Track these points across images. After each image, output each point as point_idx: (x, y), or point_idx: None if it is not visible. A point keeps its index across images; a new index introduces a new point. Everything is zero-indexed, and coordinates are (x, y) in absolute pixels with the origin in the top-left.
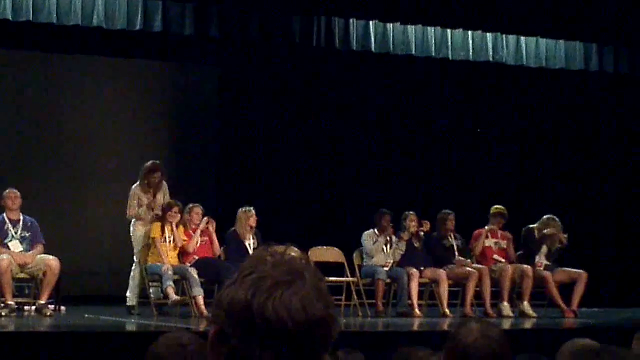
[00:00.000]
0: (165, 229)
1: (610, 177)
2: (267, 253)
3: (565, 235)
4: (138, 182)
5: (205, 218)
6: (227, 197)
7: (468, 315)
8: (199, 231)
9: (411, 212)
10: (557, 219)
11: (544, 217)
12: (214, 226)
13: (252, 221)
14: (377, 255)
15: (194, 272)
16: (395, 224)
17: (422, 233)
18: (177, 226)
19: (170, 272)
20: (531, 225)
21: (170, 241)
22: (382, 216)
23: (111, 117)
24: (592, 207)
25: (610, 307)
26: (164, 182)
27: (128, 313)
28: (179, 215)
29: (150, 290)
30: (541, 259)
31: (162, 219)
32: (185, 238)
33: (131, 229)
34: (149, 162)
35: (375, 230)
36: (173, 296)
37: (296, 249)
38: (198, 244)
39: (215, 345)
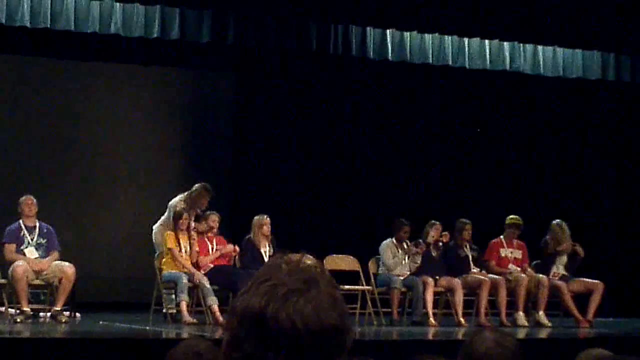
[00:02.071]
0: (180, 239)
1: (629, 186)
2: (282, 261)
3: (581, 249)
4: (183, 199)
5: (230, 246)
6: (242, 204)
7: (483, 325)
8: (218, 253)
9: (437, 222)
10: (564, 224)
11: (552, 222)
12: (236, 252)
13: (266, 229)
14: (396, 267)
15: (206, 282)
16: (414, 232)
17: (440, 244)
18: (189, 234)
19: (185, 281)
20: (548, 237)
21: (185, 251)
22: (401, 227)
23: (127, 124)
24: (609, 217)
25: (626, 317)
26: None
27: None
28: (188, 223)
29: (164, 298)
30: (558, 269)
31: (174, 229)
32: (197, 248)
33: (153, 237)
34: (201, 186)
35: (394, 240)
36: (186, 316)
37: (311, 257)
38: (212, 262)
39: (229, 351)
